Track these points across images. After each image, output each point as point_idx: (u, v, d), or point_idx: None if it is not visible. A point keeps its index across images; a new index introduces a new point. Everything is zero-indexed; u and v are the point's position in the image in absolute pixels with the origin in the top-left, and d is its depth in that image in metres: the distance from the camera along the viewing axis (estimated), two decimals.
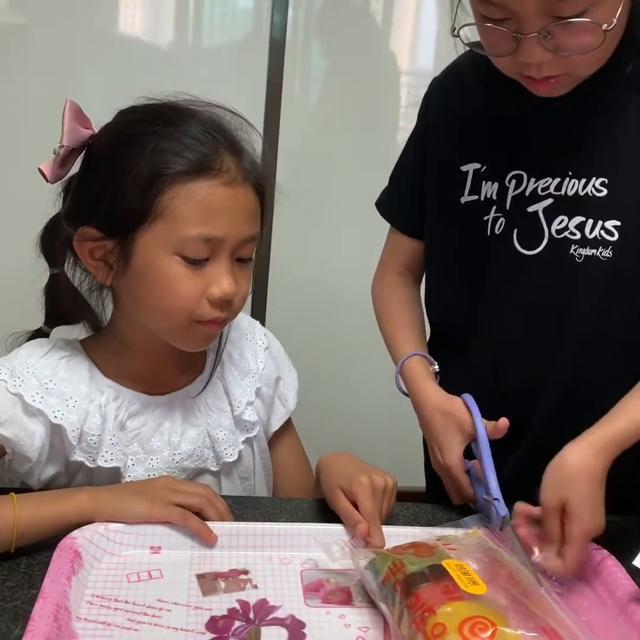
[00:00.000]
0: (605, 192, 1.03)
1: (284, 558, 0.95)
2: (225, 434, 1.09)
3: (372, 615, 0.85)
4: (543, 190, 1.07)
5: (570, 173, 1.05)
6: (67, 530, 0.91)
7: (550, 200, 1.06)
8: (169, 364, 1.08)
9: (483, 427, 1.05)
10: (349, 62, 2.34)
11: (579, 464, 0.89)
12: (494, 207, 1.10)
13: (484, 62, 1.03)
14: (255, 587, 0.89)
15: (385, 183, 1.32)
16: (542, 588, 0.83)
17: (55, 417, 1.00)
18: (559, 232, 1.06)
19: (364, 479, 0.98)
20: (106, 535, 0.92)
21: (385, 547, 0.93)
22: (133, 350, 1.06)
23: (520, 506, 0.94)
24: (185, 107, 1.00)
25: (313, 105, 2.43)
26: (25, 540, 0.90)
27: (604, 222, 1.03)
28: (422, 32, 2.40)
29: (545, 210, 1.06)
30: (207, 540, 0.94)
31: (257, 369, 1.15)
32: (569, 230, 1.05)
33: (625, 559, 0.91)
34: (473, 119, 1.14)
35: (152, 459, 1.05)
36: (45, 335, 1.11)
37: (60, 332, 1.11)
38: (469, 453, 1.07)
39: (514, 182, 1.09)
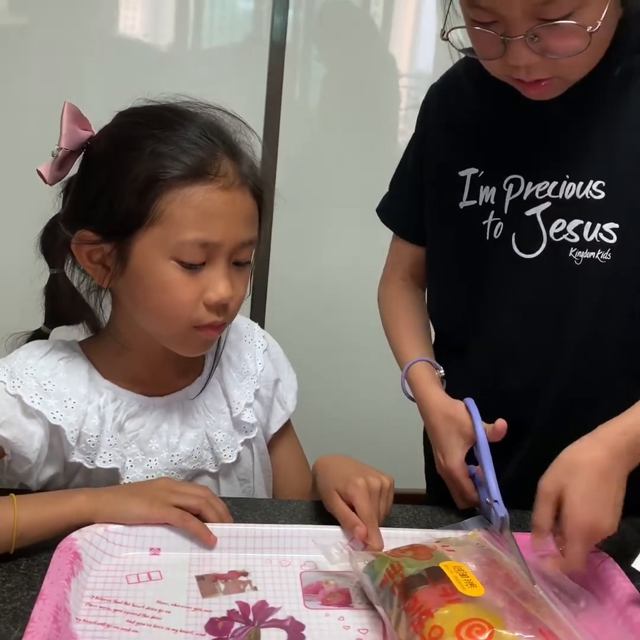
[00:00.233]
0: (602, 194, 1.03)
1: (283, 560, 0.95)
2: (223, 436, 1.09)
3: (371, 617, 0.85)
4: (541, 193, 1.07)
5: (567, 176, 1.05)
6: (67, 531, 0.91)
7: (548, 204, 1.06)
8: (168, 366, 1.08)
9: (483, 431, 1.05)
10: (349, 64, 2.34)
11: (586, 454, 0.89)
12: (492, 212, 1.10)
13: (478, 67, 1.04)
14: (255, 588, 0.89)
15: (385, 186, 1.32)
16: (539, 591, 0.83)
17: (54, 418, 1.00)
18: (557, 235, 1.06)
19: (360, 480, 0.98)
20: (106, 537, 0.92)
21: (384, 550, 0.93)
22: (132, 351, 1.06)
23: None
24: (184, 109, 1.00)
25: (313, 108, 2.43)
26: (24, 541, 0.90)
27: (602, 224, 1.03)
28: (422, 34, 2.40)
29: (543, 213, 1.07)
30: (207, 542, 0.94)
31: (256, 370, 1.16)
32: (568, 233, 1.05)
33: (624, 561, 0.91)
34: (470, 124, 1.14)
35: (150, 461, 1.05)
36: (45, 336, 1.11)
37: (60, 333, 1.11)
38: (473, 457, 1.07)
39: (511, 186, 1.09)
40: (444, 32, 0.98)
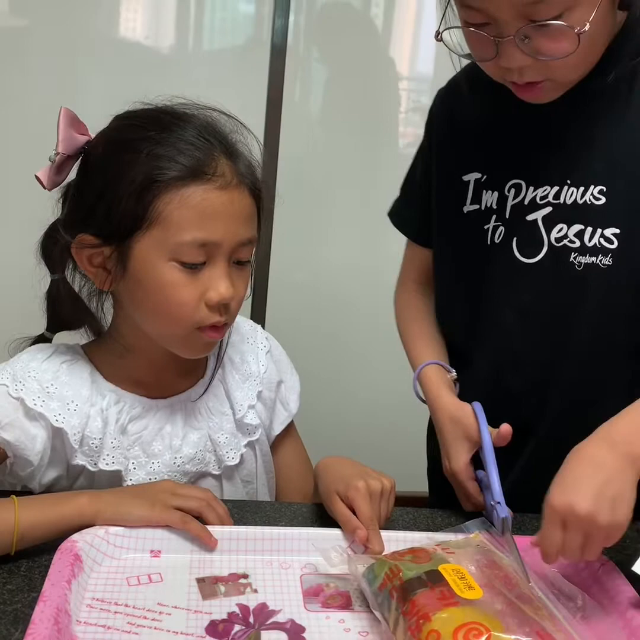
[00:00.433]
0: (603, 200, 1.03)
1: (283, 562, 0.95)
2: (226, 438, 1.09)
3: (372, 620, 0.85)
4: (542, 198, 1.07)
5: (568, 181, 1.06)
6: (68, 533, 0.91)
7: (549, 209, 1.07)
8: (170, 368, 1.08)
9: (488, 434, 1.05)
10: (350, 67, 2.34)
11: (580, 449, 0.88)
12: (494, 216, 1.11)
13: (480, 73, 1.04)
14: (255, 591, 0.89)
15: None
16: (538, 592, 0.83)
17: (57, 420, 1.00)
18: (558, 240, 1.06)
19: (361, 483, 0.98)
20: (106, 539, 0.92)
21: (384, 553, 0.93)
22: (134, 354, 1.06)
23: None
24: (180, 111, 1.01)
25: (314, 110, 2.43)
26: (25, 543, 0.90)
27: (603, 229, 1.03)
28: (423, 37, 2.40)
29: (544, 218, 1.07)
30: (207, 544, 0.94)
31: (259, 372, 1.16)
32: (568, 238, 1.05)
33: (624, 565, 0.91)
34: (472, 129, 1.15)
35: (153, 463, 1.05)
36: (48, 341, 1.11)
37: (62, 338, 1.12)
38: (479, 462, 1.08)
39: (513, 191, 1.09)
40: (439, 33, 0.99)
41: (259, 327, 1.22)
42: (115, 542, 0.92)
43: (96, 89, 2.16)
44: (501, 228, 1.10)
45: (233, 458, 1.10)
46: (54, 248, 1.04)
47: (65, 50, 2.19)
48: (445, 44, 1.00)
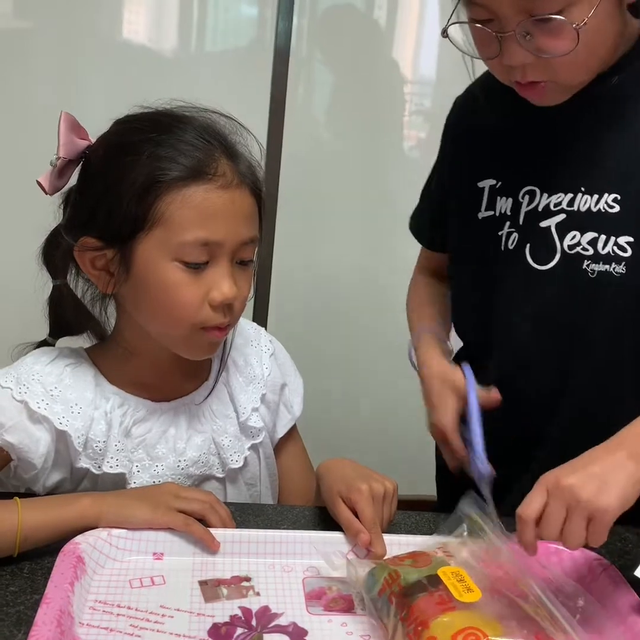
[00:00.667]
0: (617, 208, 1.03)
1: (286, 565, 0.95)
2: (230, 441, 1.10)
3: (374, 624, 0.85)
4: (556, 205, 1.07)
5: (582, 189, 1.05)
6: (71, 535, 0.91)
7: (562, 216, 1.07)
8: (174, 371, 1.08)
9: (475, 391, 1.07)
10: (353, 70, 2.35)
11: (593, 450, 0.88)
12: (508, 222, 1.11)
13: (495, 81, 1.04)
14: (258, 594, 0.89)
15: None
16: (538, 590, 0.81)
17: (60, 423, 1.00)
18: (571, 247, 1.06)
19: (364, 486, 0.98)
20: (109, 541, 0.92)
21: (386, 556, 0.93)
22: (138, 357, 1.06)
23: None
24: (180, 113, 1.01)
25: (317, 113, 2.43)
26: (28, 544, 0.90)
27: (616, 238, 1.03)
28: (426, 40, 2.40)
29: (557, 225, 1.07)
30: (210, 547, 0.94)
31: (263, 375, 1.16)
32: (581, 246, 1.05)
33: (626, 570, 0.91)
34: (487, 135, 1.15)
35: (157, 466, 1.05)
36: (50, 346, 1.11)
37: (65, 343, 1.12)
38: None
39: (527, 197, 1.09)
40: (445, 29, 0.99)
41: (262, 329, 1.22)
42: (118, 545, 0.93)
43: (99, 91, 2.16)
44: (515, 234, 1.10)
45: (237, 461, 1.10)
46: (56, 253, 1.04)
47: (69, 53, 2.19)
48: (451, 41, 1.00)
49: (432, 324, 1.23)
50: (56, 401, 1.01)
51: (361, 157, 2.35)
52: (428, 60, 2.42)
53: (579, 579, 0.91)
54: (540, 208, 1.08)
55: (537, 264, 1.09)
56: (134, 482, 1.04)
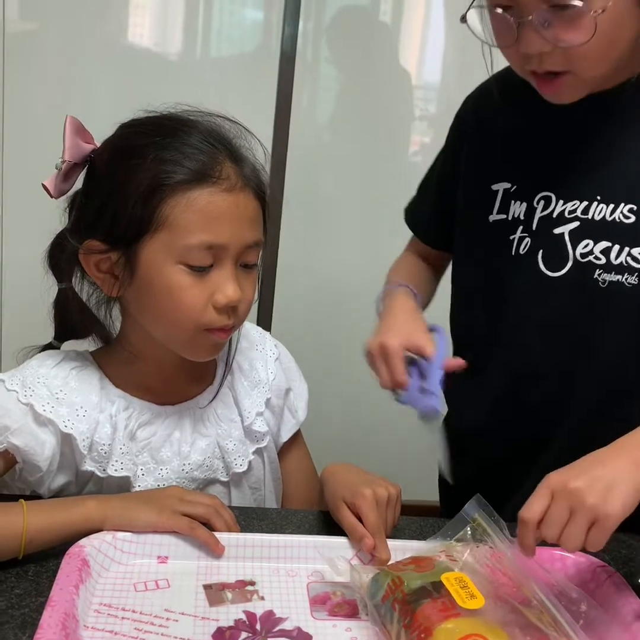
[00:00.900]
0: (633, 219, 1.03)
1: (290, 570, 0.95)
2: (235, 445, 1.10)
3: (378, 630, 0.85)
4: (570, 212, 1.07)
5: (598, 197, 1.05)
6: (76, 537, 0.91)
7: (576, 223, 1.06)
8: (179, 374, 1.08)
9: (443, 330, 1.06)
10: (359, 74, 2.35)
11: (598, 453, 0.88)
12: (521, 227, 1.10)
13: (514, 81, 1.04)
14: (262, 598, 0.89)
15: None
16: (541, 595, 0.81)
17: (66, 426, 1.00)
18: (583, 256, 1.06)
19: (367, 491, 0.98)
20: (114, 544, 0.92)
21: (390, 562, 0.93)
22: (143, 360, 1.06)
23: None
24: (184, 117, 1.01)
25: (322, 118, 2.44)
26: (33, 547, 0.90)
27: (630, 248, 1.03)
28: (432, 44, 2.40)
29: (571, 232, 1.06)
30: (214, 551, 0.94)
31: (268, 379, 1.16)
32: (594, 255, 1.05)
33: (630, 577, 0.91)
34: (503, 138, 1.14)
35: (162, 469, 1.05)
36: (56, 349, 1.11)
37: (70, 347, 1.12)
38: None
39: (542, 203, 1.09)
40: (465, 15, 0.99)
41: (267, 334, 1.22)
42: (122, 548, 0.93)
43: (105, 94, 2.17)
44: (527, 239, 1.10)
45: (241, 465, 1.10)
46: (62, 256, 1.04)
47: (74, 56, 2.20)
48: (469, 28, 0.99)
49: (409, 284, 1.21)
50: (61, 404, 1.01)
51: (366, 161, 2.35)
52: (433, 65, 2.42)
53: (583, 585, 0.91)
54: (554, 214, 1.08)
55: (548, 270, 1.08)
56: (139, 486, 1.04)
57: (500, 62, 1.07)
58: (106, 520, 0.93)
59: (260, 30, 2.31)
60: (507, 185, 1.12)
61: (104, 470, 1.03)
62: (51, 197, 1.01)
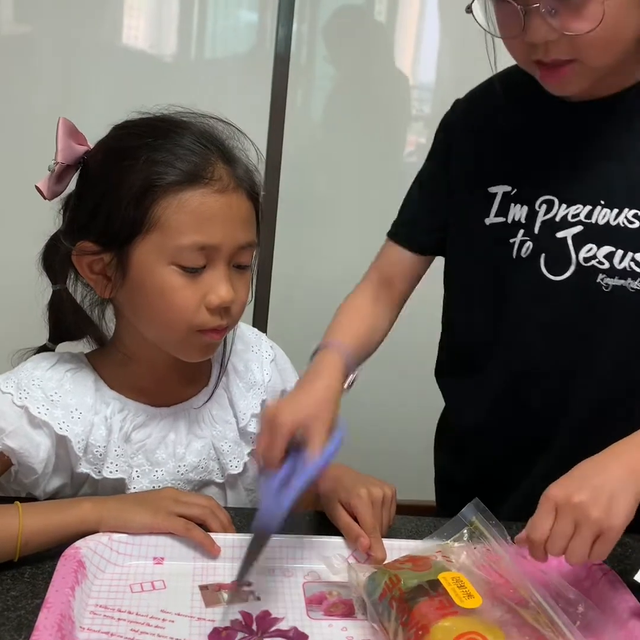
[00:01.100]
0: (637, 224, 1.03)
1: (286, 570, 0.95)
2: (230, 446, 1.10)
3: (374, 628, 0.85)
4: (573, 216, 1.06)
5: (602, 202, 1.05)
6: (71, 539, 0.91)
7: (579, 228, 1.06)
8: (174, 376, 1.08)
9: (346, 429, 0.97)
10: (353, 76, 2.35)
11: (587, 459, 0.88)
12: (522, 231, 1.09)
13: (517, 80, 1.03)
14: (258, 598, 0.89)
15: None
16: (539, 597, 0.81)
17: (61, 428, 1.00)
18: (586, 260, 1.05)
19: (363, 491, 0.98)
20: (110, 546, 0.92)
21: (385, 561, 0.93)
22: (137, 362, 1.07)
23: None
24: (177, 119, 1.02)
25: (317, 119, 2.44)
26: (29, 549, 0.90)
27: (634, 253, 1.03)
28: (426, 45, 2.40)
29: (574, 237, 1.06)
30: (210, 552, 0.94)
31: (263, 381, 1.16)
32: (597, 259, 1.05)
33: (626, 575, 0.91)
34: (502, 139, 1.13)
35: (157, 471, 1.05)
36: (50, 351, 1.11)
37: (65, 348, 1.12)
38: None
39: (544, 206, 1.08)
40: (470, 5, 0.98)
41: (263, 335, 1.22)
42: (118, 549, 0.93)
43: (99, 96, 2.16)
44: (529, 243, 1.09)
45: (236, 466, 1.10)
46: (56, 258, 1.04)
47: (69, 58, 2.20)
48: (474, 17, 0.98)
49: (351, 342, 1.14)
50: (56, 406, 1.01)
51: (361, 162, 2.35)
52: (428, 66, 2.42)
53: (579, 583, 0.91)
54: (557, 218, 1.07)
55: (551, 274, 1.08)
56: (134, 487, 1.04)
57: (501, 63, 1.07)
58: (102, 521, 0.93)
59: (255, 31, 2.31)
60: (507, 188, 1.11)
61: (99, 472, 1.03)
62: (44, 199, 1.01)
